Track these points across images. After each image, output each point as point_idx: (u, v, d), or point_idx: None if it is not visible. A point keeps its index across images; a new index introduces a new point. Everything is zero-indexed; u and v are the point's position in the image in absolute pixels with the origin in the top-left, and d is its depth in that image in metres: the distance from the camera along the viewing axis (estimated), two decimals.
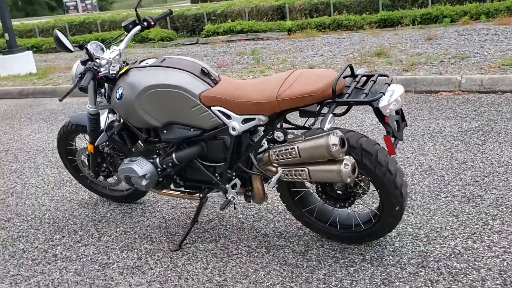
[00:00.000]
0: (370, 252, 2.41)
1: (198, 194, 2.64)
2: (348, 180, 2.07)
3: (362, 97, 2.01)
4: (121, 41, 2.67)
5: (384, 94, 2.00)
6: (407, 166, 3.34)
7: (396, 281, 2.16)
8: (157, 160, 2.52)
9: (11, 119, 6.06)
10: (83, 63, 2.40)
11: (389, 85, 2.07)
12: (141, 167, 2.47)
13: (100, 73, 2.38)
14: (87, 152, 3.00)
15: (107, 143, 2.84)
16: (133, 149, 2.73)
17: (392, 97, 2.00)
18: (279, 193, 2.51)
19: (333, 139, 2.02)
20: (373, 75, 2.17)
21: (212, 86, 2.36)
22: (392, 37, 8.82)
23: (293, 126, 2.37)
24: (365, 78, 2.19)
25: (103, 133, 2.69)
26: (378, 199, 2.29)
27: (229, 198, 2.49)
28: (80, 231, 2.94)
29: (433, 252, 2.34)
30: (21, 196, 3.55)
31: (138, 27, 2.68)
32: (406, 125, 2.20)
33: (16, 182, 3.84)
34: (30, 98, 7.27)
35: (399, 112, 2.15)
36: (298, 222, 2.72)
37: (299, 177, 2.19)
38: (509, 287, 2.05)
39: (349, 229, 2.44)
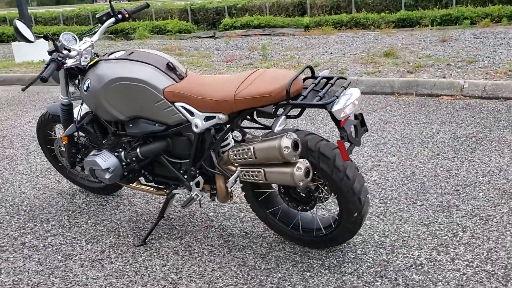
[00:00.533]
0: (331, 258, 2.35)
1: (165, 190, 2.62)
2: (301, 184, 2.02)
3: (316, 100, 1.95)
4: (95, 33, 2.66)
5: (337, 98, 1.94)
6: (390, 171, 3.26)
7: None
8: (122, 154, 2.51)
9: (16, 105, 6.15)
10: (50, 53, 2.39)
11: (345, 88, 2.01)
12: (105, 160, 2.46)
13: (65, 64, 2.37)
14: (63, 143, 3.01)
15: (82, 134, 2.84)
16: (104, 142, 2.73)
17: (348, 101, 1.94)
18: (244, 193, 2.47)
19: (285, 142, 1.97)
20: (332, 78, 2.11)
21: (176, 82, 2.33)
22: (406, 37, 8.65)
23: (261, 126, 2.33)
24: (325, 80, 2.14)
25: (71, 124, 2.69)
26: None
27: (192, 195, 2.47)
28: (53, 221, 2.95)
29: (394, 262, 2.28)
30: (6, 182, 3.59)
31: (112, 19, 2.67)
32: (367, 131, 2.14)
33: (5, 169, 3.89)
34: (39, 85, 7.36)
35: (359, 116, 2.09)
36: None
37: (256, 178, 2.15)
38: None
39: (311, 233, 2.39)
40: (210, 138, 2.33)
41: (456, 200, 2.80)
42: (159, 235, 2.69)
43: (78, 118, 2.74)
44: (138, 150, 2.47)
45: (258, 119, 2.25)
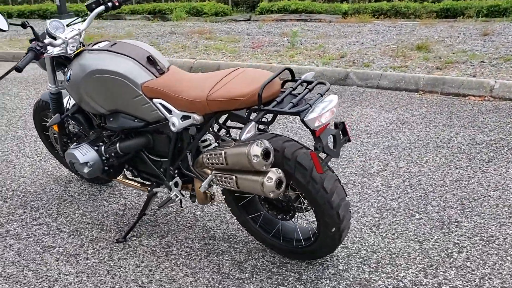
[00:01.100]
0: (309, 271, 2.21)
1: (147, 187, 2.54)
2: (271, 195, 1.88)
3: (288, 107, 1.79)
4: (84, 20, 2.57)
5: (311, 106, 1.77)
6: (395, 178, 3.06)
7: None
8: (103, 148, 2.43)
9: (40, 84, 6.21)
10: (30, 42, 2.32)
11: (321, 95, 1.84)
12: (83, 154, 2.39)
13: (44, 54, 2.29)
14: (54, 131, 2.97)
15: (73, 122, 2.79)
16: (90, 133, 2.66)
17: (324, 109, 1.77)
18: (223, 196, 2.35)
19: (255, 150, 1.83)
20: (312, 82, 1.94)
21: (156, 77, 2.21)
22: (445, 29, 8.22)
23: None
24: (306, 84, 1.97)
25: (56, 114, 2.63)
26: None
27: (171, 196, 2.37)
28: (42, 209, 2.93)
29: (376, 282, 2.11)
30: (9, 164, 3.61)
31: (102, 7, 2.56)
32: (349, 141, 1.96)
33: (12, 150, 3.91)
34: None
35: (339, 125, 1.91)
36: None
37: (228, 185, 2.02)
38: None
39: (291, 243, 2.26)
40: (188, 138, 2.22)
41: (459, 215, 2.59)
42: (141, 232, 2.61)
43: (69, 107, 2.68)
44: (117, 145, 2.38)
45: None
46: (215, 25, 11.07)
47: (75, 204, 2.97)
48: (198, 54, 6.91)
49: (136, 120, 2.30)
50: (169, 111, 2.15)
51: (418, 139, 3.66)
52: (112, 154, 2.40)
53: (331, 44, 7.20)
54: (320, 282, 2.14)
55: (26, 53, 2.23)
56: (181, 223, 2.68)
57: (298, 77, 2.02)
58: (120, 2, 2.57)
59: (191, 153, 2.20)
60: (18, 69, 2.14)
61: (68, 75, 2.38)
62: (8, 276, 2.32)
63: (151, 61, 2.24)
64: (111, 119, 2.38)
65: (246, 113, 1.93)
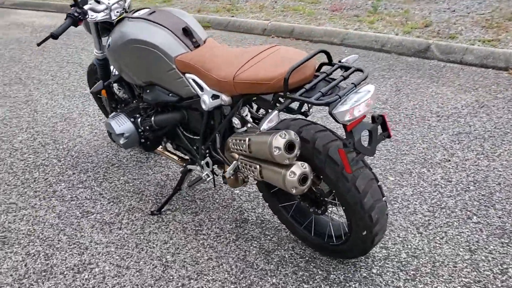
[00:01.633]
0: (338, 271, 2.04)
1: (183, 163, 2.47)
2: (294, 191, 1.72)
3: (316, 96, 1.58)
4: None
5: (340, 98, 1.55)
6: (458, 171, 2.74)
7: None
8: (139, 120, 2.37)
9: None
10: (71, 7, 2.27)
11: (355, 86, 1.61)
12: (120, 125, 2.35)
13: (84, 20, 2.23)
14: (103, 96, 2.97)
15: (119, 88, 2.77)
16: (133, 102, 2.62)
17: (358, 101, 1.55)
18: (255, 181, 2.22)
19: (277, 141, 1.66)
20: (349, 68, 1.71)
21: (190, 50, 2.08)
22: None
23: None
24: (344, 69, 1.74)
25: (99, 81, 2.60)
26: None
27: (202, 175, 2.28)
28: (91, 171, 2.97)
29: None
30: (71, 123, 3.71)
31: None
32: (388, 137, 1.72)
33: (77, 107, 4.02)
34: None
35: (378, 119, 1.67)
36: None
37: (252, 174, 1.88)
38: None
39: (322, 238, 2.09)
40: (219, 118, 2.08)
41: None
42: (177, 206, 2.57)
43: (114, 73, 2.65)
44: (152, 118, 2.31)
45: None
46: None
47: (121, 169, 2.99)
48: (274, 16, 6.67)
49: (170, 94, 2.20)
50: (201, 88, 2.02)
51: (495, 127, 3.26)
52: (147, 127, 2.33)
53: (417, 11, 6.62)
54: (348, 285, 1.97)
55: (65, 19, 2.19)
56: (217, 201, 2.60)
57: (340, 61, 1.80)
58: None
59: (220, 134, 2.07)
60: (54, 36, 2.10)
61: (108, 42, 2.32)
62: (45, 238, 2.38)
63: (186, 32, 2.11)
64: (148, 91, 2.30)
65: (272, 99, 1.75)
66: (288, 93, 1.64)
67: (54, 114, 3.88)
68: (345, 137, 1.61)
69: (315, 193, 1.98)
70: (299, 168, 1.71)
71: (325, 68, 1.82)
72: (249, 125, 1.93)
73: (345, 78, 1.65)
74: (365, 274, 2.02)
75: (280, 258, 2.14)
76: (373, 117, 1.66)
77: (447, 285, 1.93)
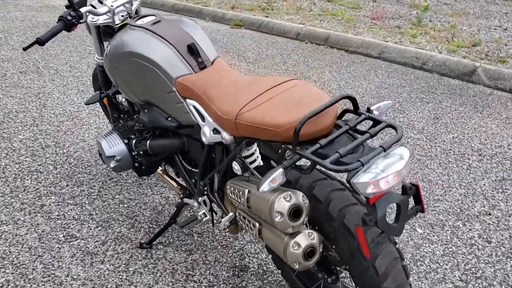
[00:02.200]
0: None
1: (180, 195, 2.16)
2: (296, 266, 1.39)
3: (331, 159, 1.23)
4: None
5: (363, 166, 1.20)
6: (500, 229, 2.35)
7: None
8: (134, 141, 2.07)
9: None
10: (66, 8, 1.98)
11: (384, 150, 1.25)
12: (111, 146, 2.05)
13: (77, 24, 1.94)
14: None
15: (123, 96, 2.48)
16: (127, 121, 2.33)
17: (385, 171, 1.20)
18: None
19: (280, 205, 1.32)
20: (380, 122, 1.35)
21: (194, 72, 1.77)
22: None
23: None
24: (371, 122, 1.39)
25: (96, 92, 2.32)
26: None
27: (198, 214, 1.96)
28: (86, 185, 2.70)
29: None
30: (77, 123, 3.45)
31: None
32: (421, 211, 1.36)
33: (88, 107, 3.76)
34: (178, 14, 7.24)
35: (410, 190, 1.31)
36: None
37: (250, 230, 1.56)
38: None
39: None
40: (220, 155, 1.76)
41: None
42: (171, 240, 2.27)
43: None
44: (148, 142, 2.01)
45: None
46: None
47: (118, 186, 2.70)
48: (310, 19, 6.29)
49: (169, 119, 1.89)
50: (202, 118, 1.70)
51: None
52: (140, 152, 2.03)
53: (465, 26, 6.13)
54: None
55: (57, 22, 1.90)
56: (217, 237, 2.29)
57: (368, 108, 1.44)
58: None
59: (219, 175, 1.75)
60: (40, 42, 1.81)
61: (107, 49, 2.03)
62: (19, 264, 2.11)
63: (192, 50, 1.79)
64: (145, 110, 2.00)
65: (279, 150, 1.42)
66: (298, 148, 1.29)
67: (62, 112, 3.63)
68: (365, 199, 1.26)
69: (326, 258, 1.64)
70: (306, 238, 1.37)
71: (346, 115, 1.48)
72: (249, 172, 1.60)
73: (372, 136, 1.30)
74: None
75: None
76: (404, 187, 1.31)
77: None
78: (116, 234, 2.30)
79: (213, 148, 1.78)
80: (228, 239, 2.28)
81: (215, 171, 1.76)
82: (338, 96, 1.34)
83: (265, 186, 1.27)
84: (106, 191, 2.65)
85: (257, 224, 1.50)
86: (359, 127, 1.39)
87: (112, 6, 2.05)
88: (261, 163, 1.68)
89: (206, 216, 1.95)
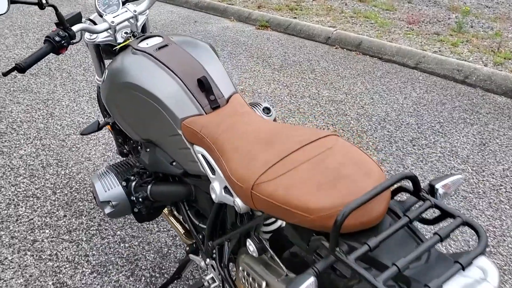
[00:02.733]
0: None
1: (187, 247, 1.83)
2: None
3: (384, 278, 0.86)
4: None
5: (443, 282, 0.84)
6: None
7: None
8: (133, 184, 1.74)
9: (168, 32, 5.75)
10: (57, 26, 1.65)
11: (462, 268, 0.88)
12: (106, 189, 1.73)
13: (67, 46, 1.61)
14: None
15: None
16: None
17: None
18: None
19: None
20: (453, 215, 0.97)
21: (205, 112, 1.42)
22: None
23: None
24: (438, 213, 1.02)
25: (94, 121, 2.00)
26: None
27: (204, 281, 1.63)
28: (85, 216, 2.40)
29: None
30: (84, 139, 3.16)
31: None
32: None
33: (99, 116, 3.47)
34: (202, 12, 6.90)
35: None
36: None
37: None
38: None
39: None
40: (233, 217, 1.42)
41: None
42: None
43: None
44: (149, 187, 1.68)
45: None
46: None
47: (121, 219, 2.40)
48: (341, 22, 5.88)
49: (173, 163, 1.55)
50: (212, 170, 1.36)
51: None
52: (140, 199, 1.70)
53: (511, 33, 5.64)
54: None
55: (44, 43, 1.58)
56: None
57: (430, 184, 1.07)
58: None
59: (229, 244, 1.41)
60: (20, 69, 1.49)
61: (105, 74, 1.70)
62: None
63: (203, 85, 1.45)
64: (147, 150, 1.67)
65: (309, 242, 1.06)
66: (338, 249, 0.93)
67: (70, 123, 3.35)
68: None
69: None
70: None
71: (408, 199, 1.11)
72: (269, 255, 1.25)
73: (442, 239, 0.93)
74: None
75: None
76: None
77: None
78: (113, 284, 1.99)
79: (225, 207, 1.44)
80: None
81: (225, 237, 1.42)
82: (396, 177, 0.96)
83: None
84: (107, 224, 2.35)
85: None
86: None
87: (113, 22, 1.73)
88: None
89: (215, 282, 1.62)
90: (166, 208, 1.97)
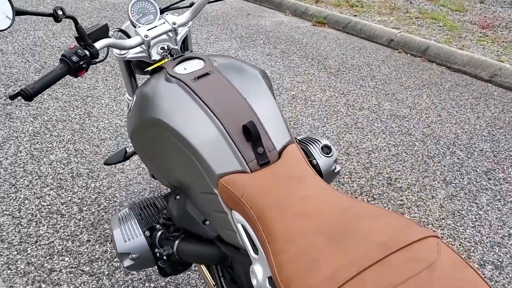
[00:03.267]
0: None
1: None
2: None
3: None
4: (191, 5, 1.53)
5: None
6: None
7: None
8: (159, 234, 1.44)
9: (215, 27, 5.46)
10: (77, 40, 1.35)
11: None
12: (126, 238, 1.44)
13: (87, 67, 1.31)
14: None
15: None
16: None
17: None
18: None
19: None
20: None
21: (250, 170, 1.10)
22: None
23: None
24: None
25: (121, 149, 1.71)
26: None
27: None
28: (111, 243, 2.14)
29: None
30: (120, 145, 2.91)
31: None
32: None
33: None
34: (256, 4, 6.55)
35: None
36: None
37: None
38: None
39: None
40: None
41: None
42: None
43: None
44: (176, 243, 1.38)
45: None
46: None
47: None
48: (405, 22, 5.40)
49: (206, 222, 1.24)
50: (255, 248, 1.04)
51: None
52: (164, 255, 1.40)
53: None
54: None
55: (59, 62, 1.29)
56: None
57: None
58: None
59: None
60: (25, 96, 1.20)
61: (132, 101, 1.41)
62: None
63: (249, 133, 1.12)
64: (176, 197, 1.36)
65: None
66: None
67: (107, 125, 3.11)
68: None
69: None
70: None
71: None
72: None
73: None
74: None
75: None
76: None
77: None
78: None
79: None
80: None
81: None
82: None
83: None
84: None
85: None
86: None
87: (146, 36, 1.42)
88: None
89: None
90: None
